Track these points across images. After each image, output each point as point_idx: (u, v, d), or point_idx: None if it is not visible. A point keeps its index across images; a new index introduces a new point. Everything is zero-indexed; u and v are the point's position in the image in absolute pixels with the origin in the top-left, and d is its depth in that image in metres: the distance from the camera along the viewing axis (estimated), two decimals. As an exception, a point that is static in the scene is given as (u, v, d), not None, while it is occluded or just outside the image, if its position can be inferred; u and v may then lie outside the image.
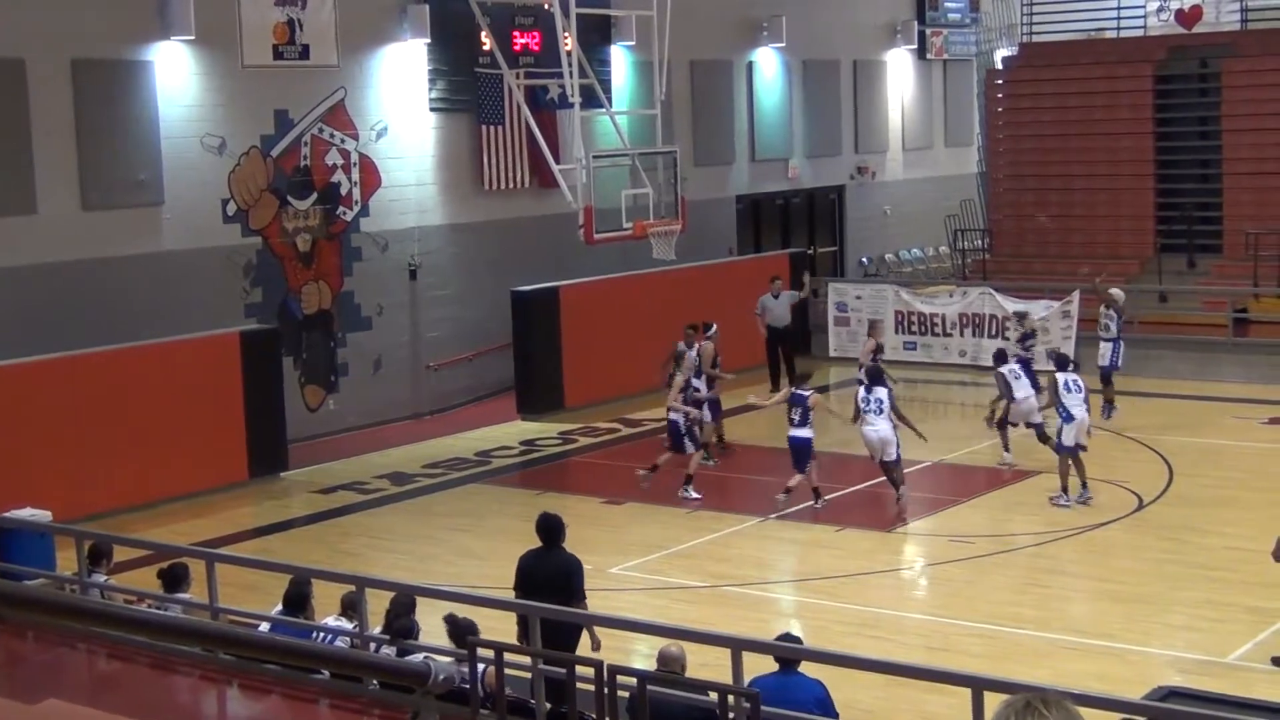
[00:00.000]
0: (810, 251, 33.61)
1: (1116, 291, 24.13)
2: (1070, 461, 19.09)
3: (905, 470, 19.39)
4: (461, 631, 11.39)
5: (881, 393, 19.44)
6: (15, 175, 21.06)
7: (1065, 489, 18.98)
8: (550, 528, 13.13)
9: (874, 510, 19.93)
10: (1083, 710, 4.60)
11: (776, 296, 26.74)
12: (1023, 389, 20.88)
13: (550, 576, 12.81)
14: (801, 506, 19.37)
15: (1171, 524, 18.43)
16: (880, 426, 19.23)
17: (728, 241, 31.91)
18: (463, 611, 12.83)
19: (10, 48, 20.97)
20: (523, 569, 13.01)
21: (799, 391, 19.58)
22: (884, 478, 19.68)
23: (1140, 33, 34.76)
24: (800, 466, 19.33)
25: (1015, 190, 34.02)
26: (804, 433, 19.32)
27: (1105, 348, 23.30)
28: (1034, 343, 23.90)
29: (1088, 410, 19.43)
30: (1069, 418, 19.07)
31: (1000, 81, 35.14)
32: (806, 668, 10.88)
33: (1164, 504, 19.27)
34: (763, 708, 9.05)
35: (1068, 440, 19.05)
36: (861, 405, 19.45)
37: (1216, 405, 23.90)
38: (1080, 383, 19.55)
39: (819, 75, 34.49)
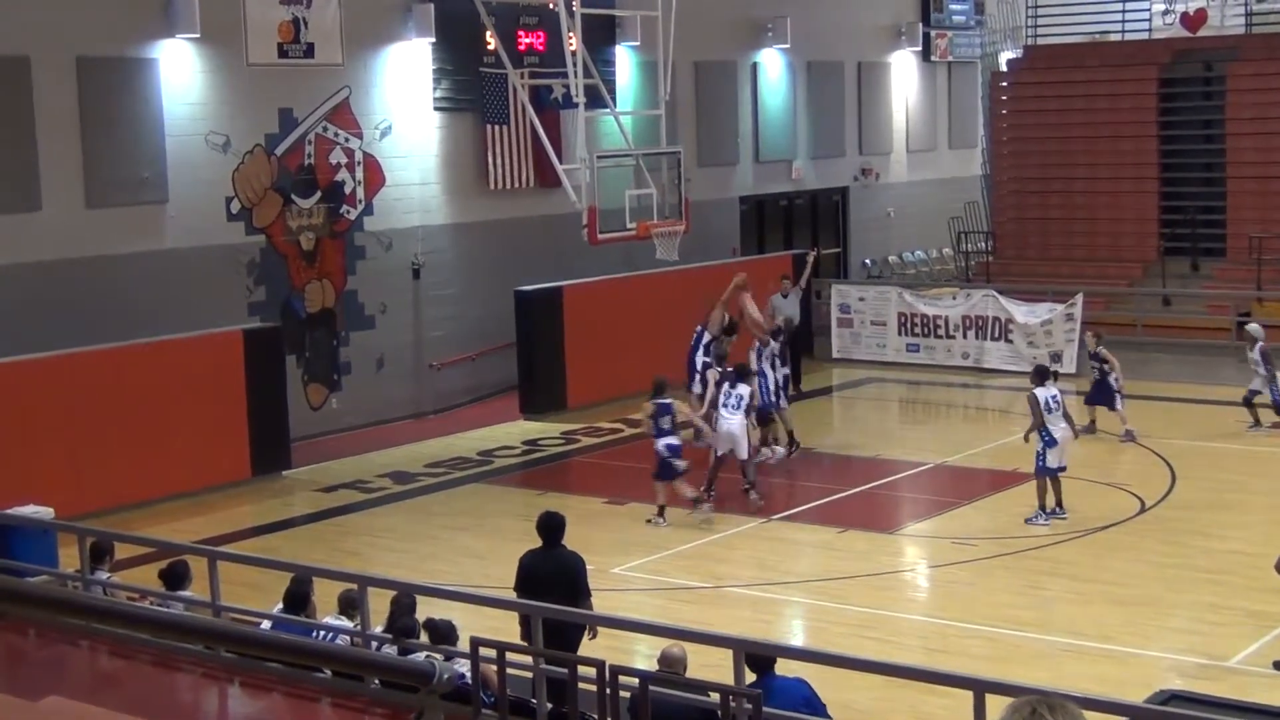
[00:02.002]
0: (814, 252, 33.54)
1: (1254, 327, 23.45)
2: (1049, 481, 18.63)
3: (909, 472, 19.37)
4: (440, 634, 11.40)
5: (744, 390, 19.68)
6: (20, 172, 21.08)
7: (1043, 507, 18.57)
8: (552, 526, 13.15)
9: (876, 512, 19.95)
10: (1085, 714, 4.60)
11: (786, 296, 26.74)
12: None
13: (554, 575, 12.84)
14: (807, 506, 19.38)
15: (1173, 527, 18.42)
16: (734, 421, 19.51)
17: (731, 242, 31.89)
18: (465, 611, 12.87)
19: (15, 45, 20.98)
20: (525, 568, 13.02)
21: (663, 401, 19.35)
22: (885, 479, 19.68)
23: (1145, 36, 34.74)
24: (666, 475, 19.24)
25: (1019, 193, 34.00)
26: (674, 440, 19.32)
27: (1258, 383, 22.67)
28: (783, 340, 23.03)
29: (1070, 428, 18.92)
30: (1051, 441, 18.52)
31: (1004, 84, 35.13)
32: (804, 668, 10.89)
33: (1166, 507, 19.26)
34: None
35: (1051, 462, 18.54)
36: (721, 399, 19.78)
37: (1219, 409, 23.88)
38: (1059, 399, 18.92)
39: (823, 76, 34.48)
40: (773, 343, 22.07)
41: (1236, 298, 28.65)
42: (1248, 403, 22.82)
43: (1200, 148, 32.46)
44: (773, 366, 21.89)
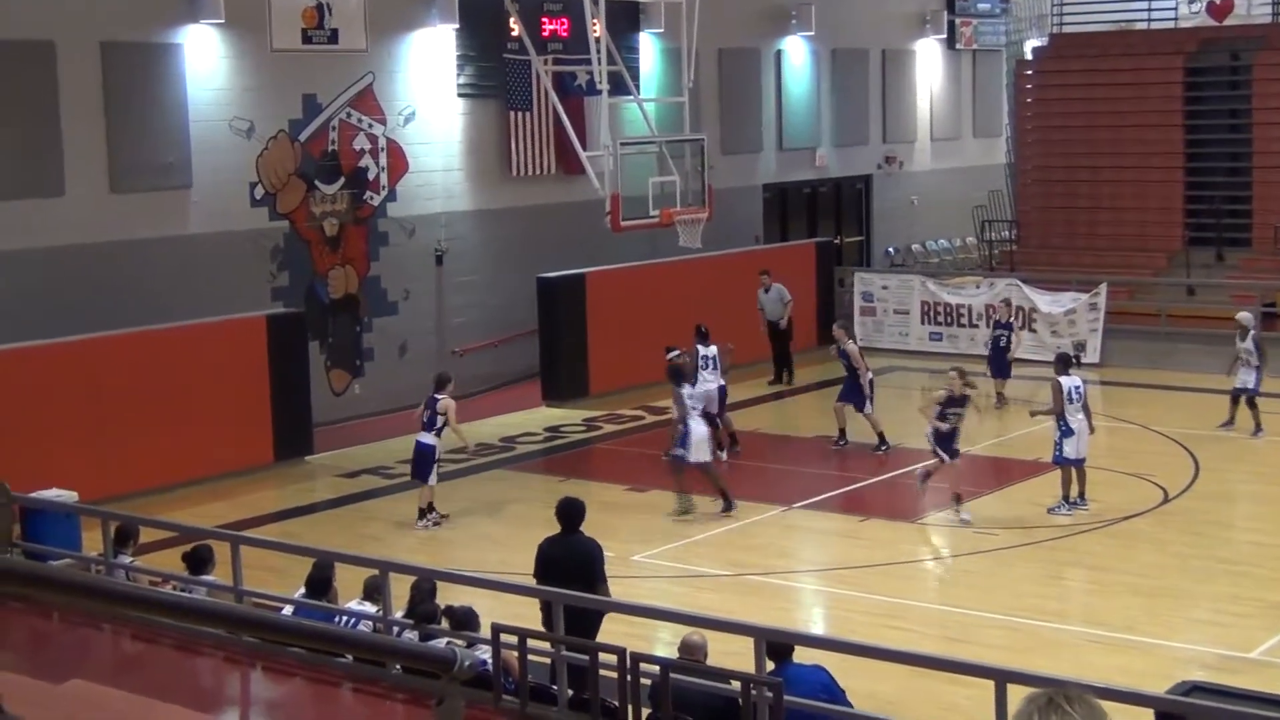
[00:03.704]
0: (837, 241, 33.54)
1: (1244, 315, 23.27)
2: (1074, 472, 18.58)
3: (926, 464, 19.31)
4: (460, 621, 11.43)
5: (714, 350, 21.29)
6: (44, 157, 21.14)
7: (1066, 498, 18.52)
8: (571, 513, 13.24)
9: (897, 501, 19.91)
10: (1106, 705, 4.59)
11: (767, 290, 26.32)
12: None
13: (571, 561, 12.94)
14: (829, 495, 19.35)
15: (1196, 518, 18.36)
16: (710, 380, 20.92)
17: (754, 230, 31.88)
18: (485, 597, 12.88)
19: (40, 30, 21.03)
20: (543, 554, 13.13)
21: (434, 395, 18.98)
22: (907, 468, 19.59)
23: (1171, 24, 34.56)
24: (421, 474, 18.96)
25: (1043, 182, 33.87)
26: (426, 439, 18.95)
27: (1246, 374, 22.39)
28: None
29: (1088, 418, 18.77)
30: (1068, 430, 18.44)
31: (1030, 72, 34.98)
32: (827, 657, 10.88)
33: (1189, 498, 19.19)
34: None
35: (1068, 453, 18.45)
36: (700, 364, 21.01)
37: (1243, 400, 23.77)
38: (1083, 389, 18.85)
39: (847, 64, 34.41)
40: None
41: (1262, 288, 28.52)
42: (1235, 398, 22.52)
43: (1226, 137, 32.31)
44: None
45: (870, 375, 22.06)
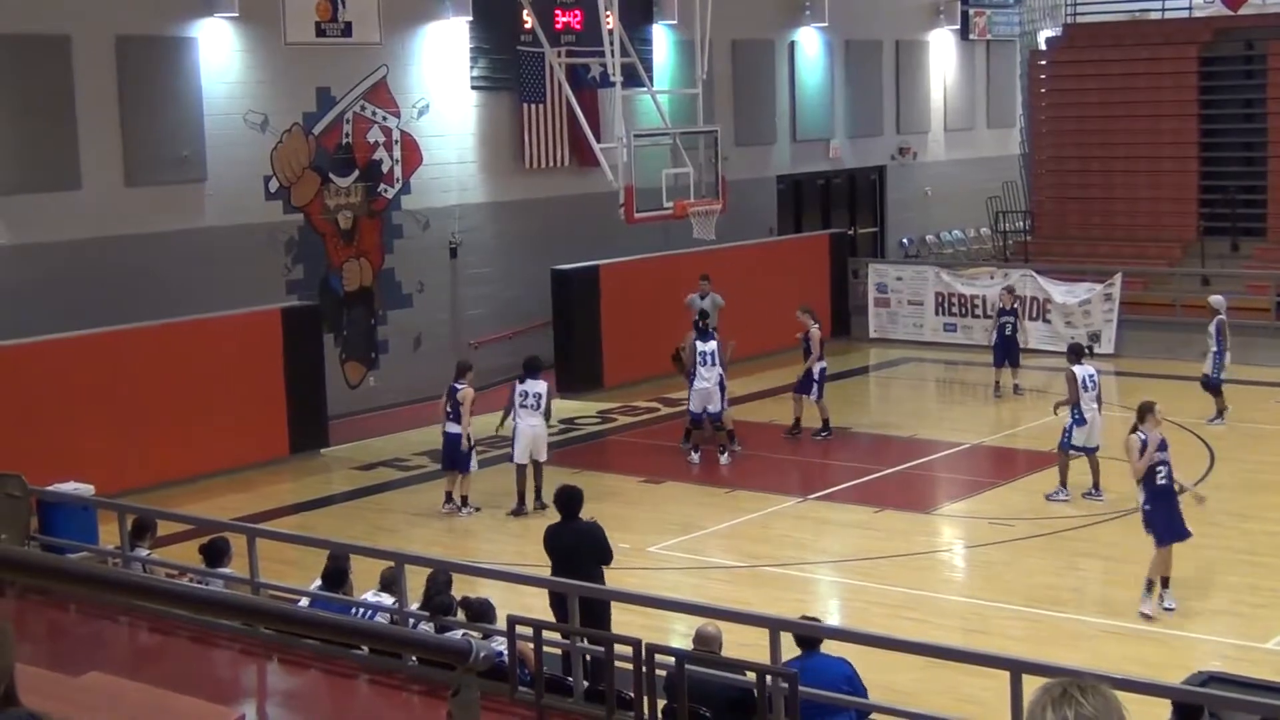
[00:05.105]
0: (851, 232, 33.54)
1: (1215, 299, 23.21)
2: (1087, 461, 18.57)
3: (946, 452, 19.34)
4: (476, 612, 11.47)
5: (714, 345, 20.84)
6: (60, 151, 21.17)
7: (1064, 484, 18.51)
8: (571, 499, 13.62)
9: (913, 492, 19.91)
10: (1121, 695, 4.59)
11: (703, 297, 24.45)
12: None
13: (577, 544, 13.31)
14: (844, 486, 19.33)
15: (1212, 509, 18.25)
16: (709, 377, 20.65)
17: (768, 222, 31.85)
18: (501, 589, 12.92)
19: (55, 24, 21.07)
20: (552, 541, 13.49)
21: (454, 384, 19.06)
22: (922, 459, 19.57)
23: (1185, 14, 34.49)
24: (459, 464, 18.96)
25: (1058, 172, 33.83)
26: (454, 428, 18.94)
27: (1209, 359, 22.53)
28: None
29: (1100, 409, 18.83)
30: (1080, 420, 18.47)
31: (1043, 62, 34.93)
32: (843, 649, 10.89)
33: (1204, 488, 19.08)
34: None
35: (1077, 440, 18.48)
36: (699, 360, 20.76)
37: (1258, 390, 23.75)
38: (1096, 378, 18.91)
39: (861, 55, 34.36)
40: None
41: (1276, 278, 28.42)
42: (1205, 386, 22.43)
43: (1241, 127, 32.23)
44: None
45: (822, 365, 22.07)
